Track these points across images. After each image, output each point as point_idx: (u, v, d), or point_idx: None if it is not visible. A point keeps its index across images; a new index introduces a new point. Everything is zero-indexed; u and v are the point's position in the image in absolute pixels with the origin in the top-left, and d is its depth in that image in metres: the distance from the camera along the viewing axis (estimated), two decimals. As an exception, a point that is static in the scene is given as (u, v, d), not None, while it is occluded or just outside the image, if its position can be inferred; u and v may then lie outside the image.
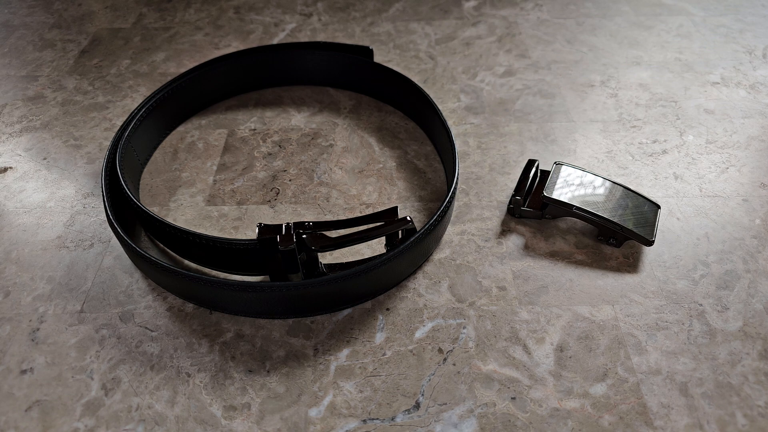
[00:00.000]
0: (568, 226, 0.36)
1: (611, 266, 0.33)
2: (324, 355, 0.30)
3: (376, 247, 0.35)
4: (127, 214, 0.38)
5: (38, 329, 0.31)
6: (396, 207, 0.32)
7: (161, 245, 0.36)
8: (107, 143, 0.43)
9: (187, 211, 0.38)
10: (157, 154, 0.42)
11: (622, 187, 0.36)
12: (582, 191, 0.35)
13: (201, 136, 0.44)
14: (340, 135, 0.43)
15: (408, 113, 0.45)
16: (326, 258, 0.34)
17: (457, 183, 0.35)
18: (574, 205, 0.34)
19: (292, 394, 0.28)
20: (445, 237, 0.35)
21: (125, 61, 0.52)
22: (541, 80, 0.48)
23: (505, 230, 0.36)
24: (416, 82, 0.48)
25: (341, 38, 0.54)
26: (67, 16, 0.59)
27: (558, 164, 0.37)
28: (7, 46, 0.55)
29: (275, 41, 0.54)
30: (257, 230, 0.30)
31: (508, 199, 0.38)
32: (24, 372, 0.30)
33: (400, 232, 0.32)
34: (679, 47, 0.51)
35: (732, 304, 0.31)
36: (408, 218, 0.31)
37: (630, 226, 0.33)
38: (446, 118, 0.44)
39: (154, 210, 0.38)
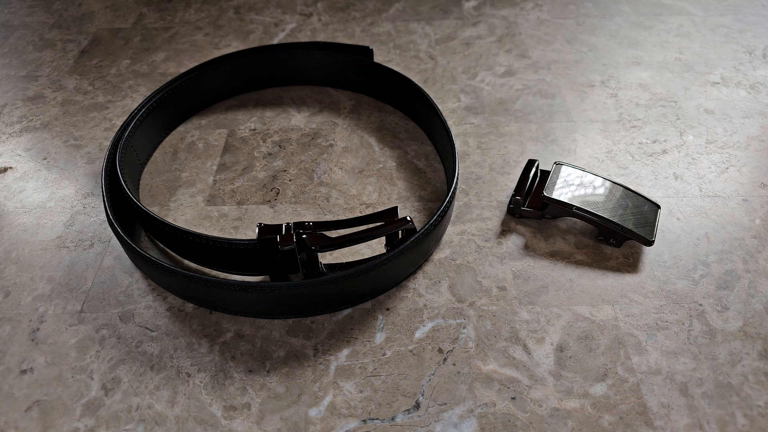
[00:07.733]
0: (568, 226, 0.36)
1: (611, 266, 0.33)
2: (324, 355, 0.30)
3: (376, 247, 0.35)
4: (127, 214, 0.38)
5: (38, 329, 0.31)
6: (396, 207, 0.32)
7: (161, 245, 0.36)
8: (107, 143, 0.43)
9: (187, 211, 0.38)
10: (157, 154, 0.42)
11: (622, 187, 0.36)
12: (582, 191, 0.35)
13: (201, 136, 0.44)
14: (340, 135, 0.43)
15: (408, 113, 0.45)
16: (326, 258, 0.34)
17: (457, 183, 0.35)
18: (574, 205, 0.34)
19: (292, 394, 0.28)
20: (445, 237, 0.35)
21: (125, 61, 0.52)
22: (541, 80, 0.48)
23: (505, 230, 0.36)
24: (416, 82, 0.48)
25: (341, 38, 0.54)
26: (67, 16, 0.59)
27: (558, 164, 0.37)
28: (7, 46, 0.55)
29: (275, 41, 0.54)
30: (257, 230, 0.30)
31: (508, 199, 0.38)
32: (24, 372, 0.30)
33: (400, 232, 0.32)
34: (679, 47, 0.51)
35: (732, 304, 0.31)
36: (408, 218, 0.31)
37: (630, 226, 0.33)
38: (446, 118, 0.44)
39: (154, 210, 0.38)
